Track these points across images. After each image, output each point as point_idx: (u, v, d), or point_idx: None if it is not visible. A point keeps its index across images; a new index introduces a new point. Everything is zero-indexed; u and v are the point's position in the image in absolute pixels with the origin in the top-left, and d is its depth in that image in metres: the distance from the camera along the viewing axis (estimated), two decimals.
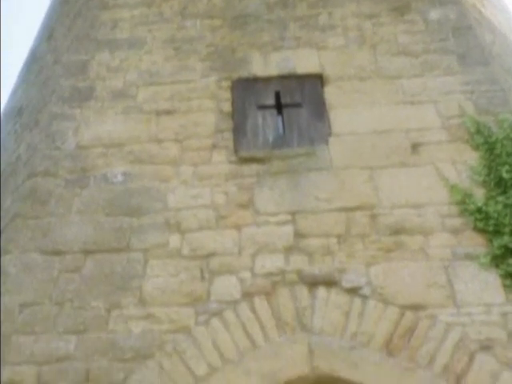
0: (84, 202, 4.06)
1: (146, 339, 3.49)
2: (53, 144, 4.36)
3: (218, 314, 3.55)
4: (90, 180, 4.17)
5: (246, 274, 3.70)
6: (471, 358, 3.31)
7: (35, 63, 5.64)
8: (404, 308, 3.52)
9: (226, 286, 3.66)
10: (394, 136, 4.24)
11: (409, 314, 3.50)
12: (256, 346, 3.43)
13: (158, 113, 4.54)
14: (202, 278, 3.70)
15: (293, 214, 3.93)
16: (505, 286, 3.52)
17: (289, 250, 3.78)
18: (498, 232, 3.63)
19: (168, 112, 4.53)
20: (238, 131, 4.40)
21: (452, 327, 3.43)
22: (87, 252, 3.84)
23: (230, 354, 3.41)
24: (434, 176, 3.99)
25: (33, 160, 4.29)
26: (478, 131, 4.03)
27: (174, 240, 3.88)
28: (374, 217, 3.89)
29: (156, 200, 4.06)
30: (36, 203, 4.06)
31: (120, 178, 4.17)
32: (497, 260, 3.58)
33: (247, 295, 3.61)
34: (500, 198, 3.71)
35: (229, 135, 4.37)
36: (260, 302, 3.58)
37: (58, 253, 3.84)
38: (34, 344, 3.48)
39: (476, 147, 4.04)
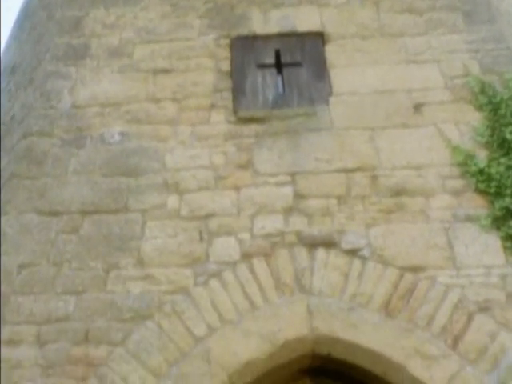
0: (81, 163, 4.00)
1: (144, 300, 3.48)
2: (48, 103, 4.27)
3: (217, 274, 3.54)
4: (86, 140, 4.10)
5: (245, 235, 3.67)
6: (469, 319, 3.32)
7: (27, 20, 5.49)
8: (403, 269, 3.51)
9: (225, 247, 3.64)
10: (395, 96, 4.15)
11: (408, 276, 3.49)
12: (255, 307, 3.43)
13: (156, 71, 4.43)
14: (201, 239, 3.68)
15: (292, 174, 3.88)
16: (505, 248, 3.50)
17: (288, 211, 3.75)
18: (499, 194, 3.59)
19: (165, 71, 4.43)
20: (237, 91, 4.31)
21: (451, 289, 3.42)
22: (85, 213, 3.80)
23: (229, 314, 3.41)
24: (436, 137, 3.93)
25: (28, 119, 4.21)
26: (483, 91, 3.95)
27: (173, 201, 3.84)
28: (374, 178, 3.84)
29: (154, 160, 4.00)
30: (32, 163, 4.00)
31: (117, 137, 4.11)
32: (498, 222, 3.55)
33: (246, 256, 3.59)
34: (503, 160, 3.66)
35: (228, 95, 4.28)
36: (259, 263, 3.57)
37: (55, 213, 3.81)
38: (33, 304, 3.48)
39: (480, 108, 3.96)
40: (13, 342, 3.36)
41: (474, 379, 3.17)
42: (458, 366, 3.20)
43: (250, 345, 3.30)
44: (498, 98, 3.87)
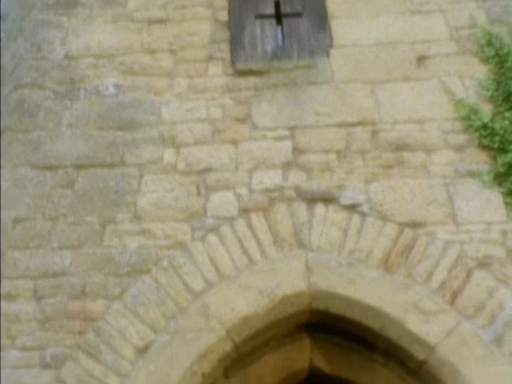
0: (75, 116, 3.90)
1: (141, 254, 3.46)
2: (39, 54, 4.13)
3: (215, 229, 3.50)
4: (80, 92, 3.98)
5: (243, 190, 3.62)
6: (468, 275, 3.31)
7: None
8: (403, 225, 3.47)
9: (223, 202, 3.59)
10: (398, 48, 4.03)
11: (407, 232, 3.46)
12: (253, 262, 3.41)
13: (150, 21, 4.28)
14: (198, 193, 3.62)
15: (291, 128, 3.80)
16: (506, 204, 3.46)
17: (287, 166, 3.68)
18: (502, 149, 3.52)
19: (161, 21, 4.28)
20: (235, 42, 4.18)
21: (450, 245, 3.40)
22: (80, 167, 3.73)
23: (227, 269, 3.39)
24: (439, 91, 3.83)
25: (19, 71, 4.08)
26: (490, 43, 3.82)
27: (169, 155, 3.76)
28: (375, 132, 3.76)
29: (150, 113, 3.91)
30: (24, 116, 3.89)
31: (112, 90, 3.99)
32: (500, 178, 3.49)
33: (244, 211, 3.55)
34: (507, 114, 3.58)
35: (225, 46, 4.15)
36: (257, 218, 3.52)
37: (49, 168, 3.73)
38: (29, 259, 3.45)
39: (486, 60, 3.83)
40: (10, 297, 3.34)
41: (471, 334, 3.18)
42: (456, 322, 3.20)
43: (247, 300, 3.29)
44: (506, 50, 3.74)
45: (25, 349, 3.21)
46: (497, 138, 3.54)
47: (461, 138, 3.67)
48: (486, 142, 3.57)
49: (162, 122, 3.87)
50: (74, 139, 3.81)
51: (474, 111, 3.65)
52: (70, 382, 3.15)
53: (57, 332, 3.27)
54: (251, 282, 3.34)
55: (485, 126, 3.58)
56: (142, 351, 3.21)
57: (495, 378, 3.05)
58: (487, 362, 3.09)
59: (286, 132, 3.79)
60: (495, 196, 3.51)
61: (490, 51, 3.80)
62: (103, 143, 3.80)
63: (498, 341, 3.14)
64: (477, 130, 3.61)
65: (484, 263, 3.34)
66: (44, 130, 3.85)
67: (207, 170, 3.70)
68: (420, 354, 3.21)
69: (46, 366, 3.18)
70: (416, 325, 3.21)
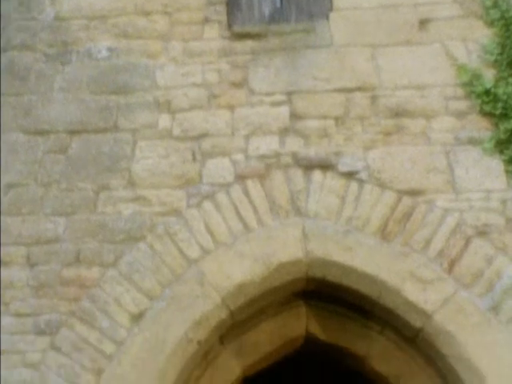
0: (67, 79, 3.80)
1: (136, 221, 3.41)
2: (28, 14, 3.99)
3: (210, 196, 3.45)
4: (72, 55, 3.87)
5: (240, 156, 3.55)
6: (467, 243, 3.28)
7: None
8: (401, 193, 3.42)
9: (219, 169, 3.52)
10: (400, 11, 3.90)
11: (406, 199, 3.41)
12: (249, 230, 3.37)
13: None
14: (194, 159, 3.56)
15: (289, 94, 3.70)
16: (507, 172, 3.40)
17: (284, 132, 3.61)
18: (505, 115, 3.44)
19: None
20: (232, 4, 4.05)
21: (449, 213, 3.36)
22: (72, 132, 3.65)
23: (223, 236, 3.35)
24: (442, 55, 3.72)
25: (7, 32, 3.95)
26: (495, 5, 3.69)
27: (164, 120, 3.68)
28: (374, 98, 3.68)
29: (144, 77, 3.80)
30: (15, 79, 3.79)
31: (105, 53, 3.88)
32: (501, 145, 3.42)
33: (240, 178, 3.49)
34: (511, 80, 3.49)
35: (222, 8, 4.02)
36: (253, 185, 3.47)
37: (41, 133, 3.65)
38: (22, 225, 3.40)
39: (490, 23, 3.71)
40: (3, 263, 3.31)
41: (468, 302, 3.16)
42: (453, 290, 3.18)
43: (243, 267, 3.26)
44: None
45: (19, 315, 3.20)
46: (499, 105, 3.45)
47: (462, 105, 3.59)
48: (488, 108, 3.49)
49: (156, 87, 3.77)
50: (66, 104, 3.72)
51: (477, 76, 3.56)
52: (66, 348, 3.14)
53: (51, 299, 3.25)
54: (247, 249, 3.30)
55: (487, 92, 3.49)
56: (138, 318, 3.20)
57: (491, 346, 3.05)
58: (484, 330, 3.08)
59: (283, 97, 3.71)
60: (496, 164, 3.45)
61: (495, 14, 3.67)
62: (96, 108, 3.71)
63: (495, 309, 3.13)
64: (479, 96, 3.52)
65: (483, 231, 3.30)
66: (35, 93, 3.75)
67: (203, 136, 3.62)
68: (417, 322, 3.20)
69: (40, 332, 3.17)
70: (413, 293, 3.20)
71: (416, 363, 3.44)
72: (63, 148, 3.60)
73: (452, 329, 3.12)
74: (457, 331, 3.11)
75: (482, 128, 3.53)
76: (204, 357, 3.43)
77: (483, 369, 2.99)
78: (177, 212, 3.42)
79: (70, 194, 3.49)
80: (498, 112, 3.46)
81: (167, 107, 3.71)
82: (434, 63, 3.71)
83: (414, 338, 3.34)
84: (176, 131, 3.65)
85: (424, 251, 3.29)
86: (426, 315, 3.16)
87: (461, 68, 3.63)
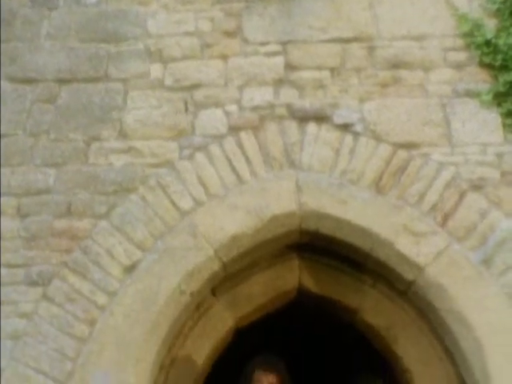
0: (54, 26, 3.67)
1: (128, 173, 3.36)
2: None
3: (203, 148, 3.40)
4: (59, 0, 3.73)
5: (233, 108, 3.48)
6: (461, 197, 3.26)
7: None
8: (397, 146, 3.38)
9: (212, 120, 3.46)
10: None
11: (401, 152, 3.37)
12: (242, 182, 3.33)
13: None
14: (186, 110, 3.49)
15: (284, 43, 3.61)
16: (504, 126, 3.35)
17: (278, 83, 3.53)
18: (505, 67, 3.36)
19: None
20: None
21: (445, 166, 3.33)
22: (61, 81, 3.55)
23: (216, 188, 3.32)
24: (442, 4, 3.61)
25: None
26: None
27: (156, 70, 3.58)
28: (371, 49, 3.59)
29: (135, 25, 3.68)
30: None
31: None
32: (499, 98, 3.36)
33: (234, 129, 3.43)
34: None
35: None
36: (247, 137, 3.41)
37: (29, 81, 3.55)
38: (11, 176, 3.34)
39: None
40: None
41: (461, 256, 3.17)
42: (446, 243, 3.18)
43: (236, 219, 3.24)
44: None
45: (10, 266, 3.18)
46: (499, 56, 3.37)
47: (461, 56, 3.51)
48: (487, 59, 3.41)
49: (148, 35, 3.66)
50: (54, 51, 3.60)
51: (478, 27, 3.46)
52: (58, 299, 3.13)
53: (43, 250, 3.22)
54: (240, 201, 3.27)
55: (488, 43, 3.40)
56: (130, 270, 3.19)
57: (482, 298, 3.07)
58: (475, 283, 3.10)
59: (278, 47, 3.61)
60: (493, 117, 3.40)
61: None
62: (85, 56, 3.60)
63: (487, 262, 3.14)
64: (479, 46, 3.44)
65: (478, 185, 3.28)
66: (22, 40, 3.63)
67: (196, 86, 3.54)
68: (409, 275, 3.21)
69: (32, 283, 3.16)
70: (406, 246, 3.19)
71: (407, 315, 3.47)
72: (52, 97, 3.52)
73: (444, 282, 3.13)
74: (448, 284, 3.12)
75: (480, 80, 3.46)
76: (197, 308, 3.44)
77: (473, 320, 3.02)
78: (169, 164, 3.37)
79: (60, 144, 3.42)
80: (497, 63, 3.38)
81: (159, 56, 3.61)
82: (434, 12, 3.61)
83: (405, 291, 3.36)
84: (168, 81, 3.56)
85: (418, 205, 3.27)
86: (419, 268, 3.17)
87: (461, 17, 3.53)
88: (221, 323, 3.52)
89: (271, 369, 2.93)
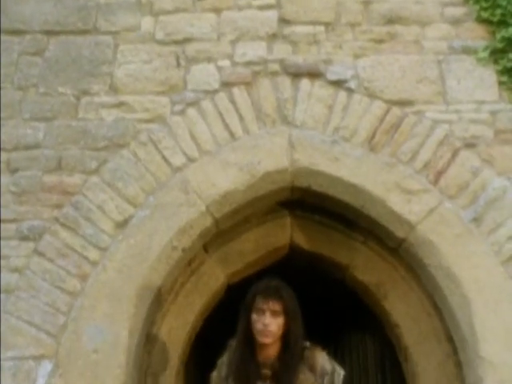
0: None
1: (119, 128, 3.32)
2: None
3: (195, 103, 3.35)
4: None
5: (225, 63, 3.42)
6: (454, 155, 3.25)
7: None
8: (390, 103, 3.35)
9: (204, 75, 3.40)
10: None
11: (395, 110, 3.34)
12: (234, 138, 3.30)
13: None
14: (178, 65, 3.42)
15: None
16: (500, 83, 3.32)
17: (272, 38, 3.47)
18: (503, 22, 3.29)
19: None
20: None
21: (438, 124, 3.31)
22: (49, 33, 3.46)
23: (208, 145, 3.29)
24: None
25: None
26: None
27: (147, 23, 3.50)
28: (367, 3, 3.52)
29: None
30: None
31: None
32: (496, 54, 3.32)
33: (226, 85, 3.38)
34: None
35: None
36: (239, 93, 3.37)
37: (16, 32, 3.45)
38: (0, 130, 3.29)
39: None
40: None
41: (452, 214, 3.18)
42: (437, 201, 3.19)
43: (228, 176, 3.22)
44: None
45: (1, 221, 3.16)
46: (498, 11, 3.31)
47: (459, 11, 3.45)
48: (485, 14, 3.35)
49: None
50: (40, 1, 3.49)
51: None
52: (50, 254, 3.13)
53: (33, 205, 3.20)
54: (232, 157, 3.25)
55: None
56: (122, 225, 3.18)
57: (471, 255, 3.09)
58: (465, 241, 3.12)
59: (271, 0, 3.53)
60: (489, 75, 3.37)
61: None
62: (74, 7, 3.50)
63: (478, 220, 3.15)
64: (477, 1, 3.36)
65: (471, 143, 3.27)
66: None
67: (187, 41, 3.47)
68: (400, 233, 3.23)
69: (24, 238, 3.15)
70: (398, 204, 3.20)
71: (397, 272, 3.50)
72: (40, 50, 3.43)
73: (434, 239, 3.15)
74: (439, 242, 3.14)
75: (477, 37, 3.41)
76: (188, 264, 3.45)
77: (462, 277, 3.05)
78: (161, 119, 3.33)
79: (50, 98, 3.36)
80: (496, 19, 3.32)
81: (150, 9, 3.53)
82: None
83: (396, 249, 3.38)
84: (159, 35, 3.49)
85: (411, 163, 3.26)
86: (410, 226, 3.18)
87: None
88: (212, 279, 3.54)
89: (274, 295, 2.41)
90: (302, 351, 2.40)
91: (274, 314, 2.36)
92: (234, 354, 2.42)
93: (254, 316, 2.38)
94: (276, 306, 2.37)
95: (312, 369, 2.36)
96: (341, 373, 2.40)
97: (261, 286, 2.47)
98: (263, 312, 2.36)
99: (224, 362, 2.48)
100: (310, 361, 2.38)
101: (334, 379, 2.36)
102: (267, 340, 2.35)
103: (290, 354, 2.35)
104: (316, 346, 2.45)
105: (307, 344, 2.45)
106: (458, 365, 3.16)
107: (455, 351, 3.18)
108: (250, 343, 2.40)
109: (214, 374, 2.52)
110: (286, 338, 2.38)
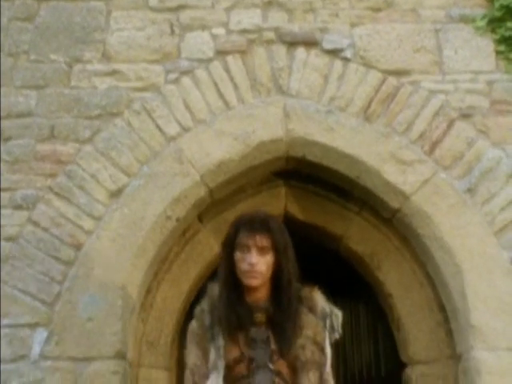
0: None
1: (112, 96, 3.28)
2: None
3: (189, 72, 3.31)
4: None
5: (220, 31, 3.37)
6: (449, 126, 3.24)
7: None
8: (387, 73, 3.33)
9: (198, 43, 3.35)
10: None
11: (391, 80, 3.32)
12: (229, 107, 3.27)
13: None
14: (172, 32, 3.37)
15: None
16: (497, 53, 3.29)
17: (267, 6, 3.41)
18: None
19: None
20: None
21: (434, 94, 3.29)
22: None
23: (202, 114, 3.26)
24: None
25: None
26: None
27: None
28: None
29: None
30: None
31: None
32: (494, 23, 3.28)
33: (220, 53, 3.33)
34: None
35: None
36: (234, 61, 3.33)
37: None
38: None
39: None
40: None
41: (446, 184, 3.18)
42: (432, 172, 3.19)
43: (223, 145, 3.21)
44: None
45: None
46: None
47: None
48: None
49: None
50: None
51: None
52: (44, 223, 3.12)
53: (27, 174, 3.18)
54: (227, 127, 3.22)
55: None
56: (116, 195, 3.17)
57: (464, 226, 3.11)
58: (459, 211, 3.13)
59: None
60: (486, 44, 3.34)
61: None
62: None
63: (472, 191, 3.16)
64: None
65: (467, 114, 3.26)
66: None
67: (181, 8, 3.41)
68: (394, 203, 3.23)
69: (17, 206, 3.13)
70: (392, 174, 3.20)
71: (391, 243, 3.52)
72: (31, 15, 3.37)
73: (428, 209, 3.16)
74: (433, 212, 3.15)
75: (475, 5, 3.37)
76: (183, 234, 3.46)
77: (455, 246, 3.07)
78: (154, 88, 3.29)
79: (41, 65, 3.31)
80: None
81: None
82: None
83: (390, 219, 3.39)
84: (153, 1, 3.43)
85: (406, 133, 3.25)
86: (404, 196, 3.19)
87: None
88: (207, 249, 3.55)
89: (260, 228, 1.97)
90: (298, 292, 2.03)
91: (262, 250, 1.95)
92: (219, 299, 2.01)
93: (238, 254, 1.97)
94: (263, 240, 1.95)
95: (312, 310, 2.03)
96: (339, 314, 2.08)
97: (244, 217, 2.05)
98: (248, 249, 1.95)
99: (205, 309, 2.04)
100: (309, 302, 2.05)
101: (333, 322, 2.04)
102: (255, 282, 1.95)
103: (286, 296, 1.97)
104: (311, 285, 2.11)
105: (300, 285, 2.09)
106: (449, 333, 3.20)
107: (446, 320, 3.22)
108: (236, 286, 1.98)
109: (194, 325, 2.04)
110: (277, 279, 1.99)
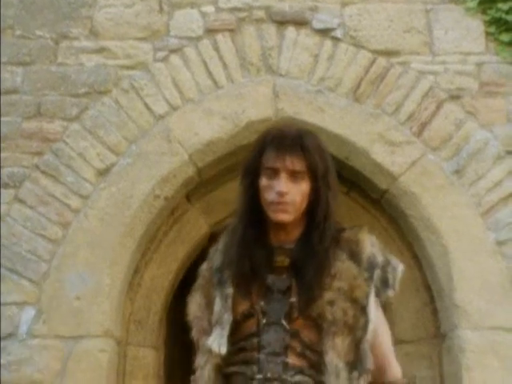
0: None
1: (100, 74, 3.24)
2: None
3: (178, 50, 3.27)
4: None
5: (209, 8, 3.33)
6: (438, 107, 3.24)
7: None
8: (376, 53, 3.31)
9: (187, 21, 3.31)
10: None
11: (381, 60, 3.31)
12: (218, 87, 3.25)
13: None
14: (161, 10, 3.32)
15: None
16: (487, 34, 3.29)
17: None
18: None
19: None
20: None
21: (424, 75, 3.28)
22: None
23: (191, 93, 3.23)
24: None
25: None
26: None
27: None
28: None
29: None
30: None
31: None
32: (485, 4, 3.27)
33: (210, 32, 3.30)
34: None
35: None
36: (224, 40, 3.29)
37: None
38: None
39: None
40: None
41: (434, 165, 3.20)
42: (421, 153, 3.20)
43: (212, 125, 3.19)
44: None
45: None
46: None
47: None
48: None
49: None
50: None
51: None
52: (31, 201, 3.10)
53: (13, 152, 3.15)
54: (216, 106, 3.21)
55: None
56: (103, 173, 3.15)
57: (451, 207, 3.13)
58: (446, 192, 3.15)
59: None
60: (477, 25, 3.33)
61: None
62: None
63: (459, 172, 3.18)
64: None
65: (456, 95, 3.26)
66: None
67: None
68: (383, 184, 3.24)
69: (4, 185, 3.10)
70: (381, 155, 3.20)
71: (379, 223, 3.52)
72: None
73: (416, 190, 3.17)
74: (421, 193, 3.17)
75: None
76: (171, 213, 3.44)
77: (441, 227, 3.09)
78: (143, 66, 3.26)
79: (27, 41, 3.26)
80: None
81: None
82: None
83: (378, 200, 3.41)
84: None
85: (395, 114, 3.25)
86: (392, 177, 3.20)
87: None
88: (195, 228, 3.54)
89: (293, 146, 1.50)
90: (339, 233, 1.55)
91: (294, 175, 1.49)
92: (233, 236, 1.57)
93: (264, 180, 1.51)
94: (296, 163, 1.48)
95: (354, 256, 1.50)
96: (398, 267, 1.58)
97: (272, 133, 1.57)
98: (277, 174, 1.48)
99: (219, 249, 1.62)
100: (353, 245, 1.52)
101: (387, 275, 1.55)
102: (284, 217, 1.48)
103: (317, 234, 1.49)
104: (361, 226, 1.61)
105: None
106: (435, 312, 3.24)
107: (432, 300, 3.26)
108: (257, 223, 1.53)
109: (204, 267, 1.64)
110: (313, 214, 1.51)
